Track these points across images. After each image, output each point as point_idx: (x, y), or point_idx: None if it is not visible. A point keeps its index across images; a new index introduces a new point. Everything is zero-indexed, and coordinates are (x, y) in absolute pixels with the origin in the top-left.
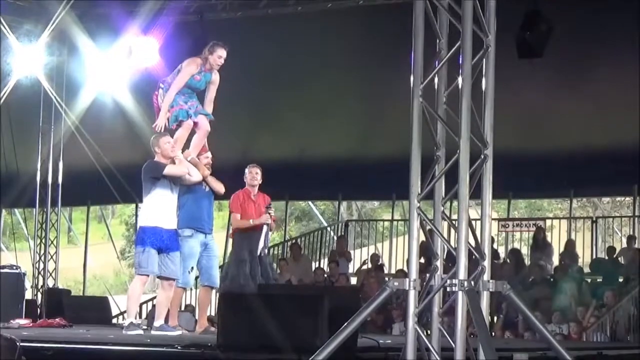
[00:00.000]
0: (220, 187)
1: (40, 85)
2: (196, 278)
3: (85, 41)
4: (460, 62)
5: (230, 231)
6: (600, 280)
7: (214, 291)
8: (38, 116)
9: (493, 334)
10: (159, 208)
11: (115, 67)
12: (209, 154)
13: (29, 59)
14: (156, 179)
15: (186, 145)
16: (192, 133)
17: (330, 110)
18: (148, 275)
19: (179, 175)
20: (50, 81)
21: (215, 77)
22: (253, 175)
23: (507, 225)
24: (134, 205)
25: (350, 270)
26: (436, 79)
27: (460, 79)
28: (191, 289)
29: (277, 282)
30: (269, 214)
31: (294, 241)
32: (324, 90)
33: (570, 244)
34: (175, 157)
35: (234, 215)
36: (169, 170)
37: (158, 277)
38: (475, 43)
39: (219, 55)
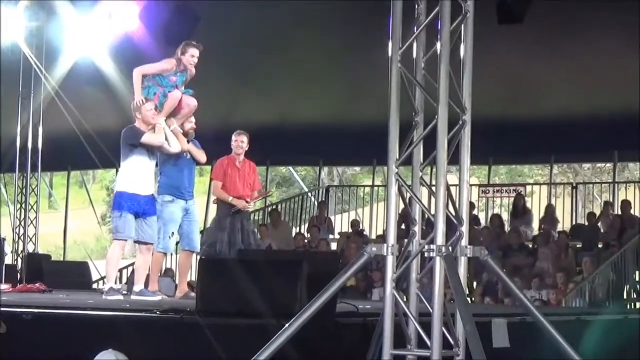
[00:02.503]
0: (201, 156)
1: (20, 50)
2: (177, 243)
3: (64, 5)
4: (439, 27)
5: (214, 198)
6: (580, 246)
7: (194, 256)
8: (17, 81)
9: (473, 299)
10: (136, 174)
11: (95, 31)
12: (192, 119)
13: (8, 23)
14: (134, 146)
15: (171, 115)
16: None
17: (312, 76)
18: (126, 240)
19: (156, 144)
20: (29, 46)
21: (191, 72)
22: (238, 144)
23: (487, 191)
24: (114, 171)
25: (331, 236)
26: (414, 45)
27: (438, 45)
28: (171, 254)
29: (258, 248)
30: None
31: (273, 207)
32: (305, 56)
33: (550, 209)
34: (156, 125)
35: (215, 182)
36: (146, 138)
37: (135, 241)
38: (455, 8)
39: (192, 54)
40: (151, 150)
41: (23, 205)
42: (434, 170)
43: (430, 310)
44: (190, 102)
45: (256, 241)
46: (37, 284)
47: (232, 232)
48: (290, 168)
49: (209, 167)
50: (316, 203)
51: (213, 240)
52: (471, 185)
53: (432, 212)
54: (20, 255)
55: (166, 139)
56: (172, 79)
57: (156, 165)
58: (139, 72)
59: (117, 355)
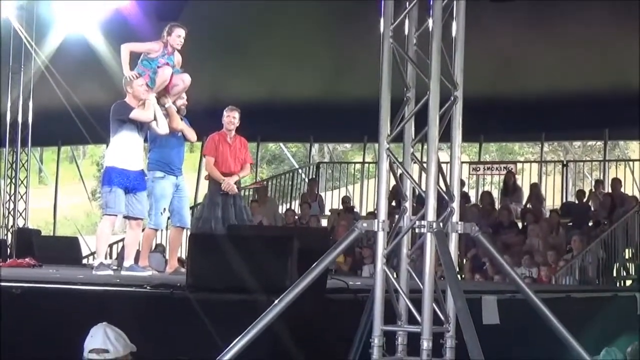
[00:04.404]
0: (192, 136)
1: (10, 25)
2: (168, 219)
3: None
4: (431, 3)
5: (206, 174)
6: (570, 223)
7: (185, 232)
8: (7, 56)
9: (463, 276)
10: (125, 149)
11: (85, 6)
12: (184, 95)
13: None
14: (123, 121)
15: (163, 93)
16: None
17: (302, 52)
18: (116, 215)
19: (144, 121)
20: (20, 20)
21: (178, 58)
22: (230, 119)
23: (478, 169)
24: (105, 146)
25: (322, 213)
26: (406, 21)
27: (430, 21)
28: (161, 231)
29: (250, 224)
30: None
31: (263, 183)
32: (296, 32)
33: (535, 188)
34: (146, 100)
35: (207, 159)
36: (135, 114)
37: (125, 217)
38: None
39: (178, 34)
40: (141, 125)
41: (13, 180)
42: (425, 147)
43: (421, 287)
44: (185, 79)
45: (248, 217)
46: (27, 259)
47: (225, 209)
48: (281, 144)
49: (199, 144)
50: (307, 180)
51: (207, 217)
52: (462, 162)
53: (423, 188)
54: (10, 230)
55: (155, 118)
56: (161, 61)
57: (145, 140)
58: (126, 48)
59: (110, 328)
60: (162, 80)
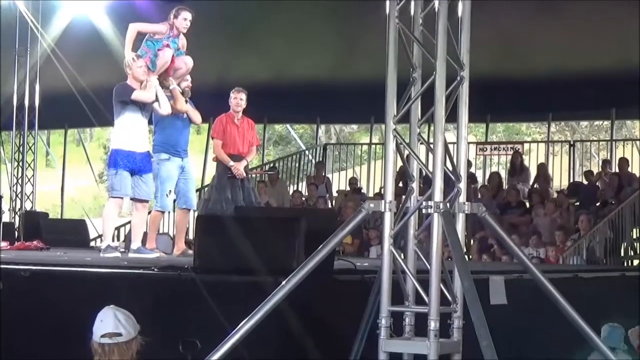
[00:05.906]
0: (197, 117)
1: (16, 8)
2: (174, 201)
3: None
4: None
5: (213, 156)
6: (578, 203)
7: (192, 213)
8: (14, 39)
9: (470, 257)
10: (130, 131)
11: None
12: (188, 77)
13: None
14: (125, 103)
15: (165, 76)
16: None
17: (308, 33)
18: (122, 198)
19: (146, 101)
20: (25, 3)
21: (183, 41)
22: (237, 101)
23: (485, 149)
24: (111, 129)
25: (329, 194)
26: (412, 1)
27: (436, 1)
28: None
29: (259, 205)
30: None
31: (271, 165)
32: (302, 12)
33: (542, 168)
34: (147, 81)
35: (215, 141)
36: (136, 95)
37: (131, 199)
38: None
39: (184, 17)
40: (143, 106)
41: (20, 164)
42: (432, 127)
43: (428, 267)
44: (187, 61)
45: (256, 199)
46: (34, 242)
47: (233, 190)
48: (288, 126)
49: (206, 125)
50: (314, 161)
51: (218, 198)
52: (469, 143)
53: (430, 169)
54: (18, 213)
55: (157, 99)
56: (165, 43)
57: (150, 123)
58: (134, 27)
59: (119, 311)
60: (162, 62)
